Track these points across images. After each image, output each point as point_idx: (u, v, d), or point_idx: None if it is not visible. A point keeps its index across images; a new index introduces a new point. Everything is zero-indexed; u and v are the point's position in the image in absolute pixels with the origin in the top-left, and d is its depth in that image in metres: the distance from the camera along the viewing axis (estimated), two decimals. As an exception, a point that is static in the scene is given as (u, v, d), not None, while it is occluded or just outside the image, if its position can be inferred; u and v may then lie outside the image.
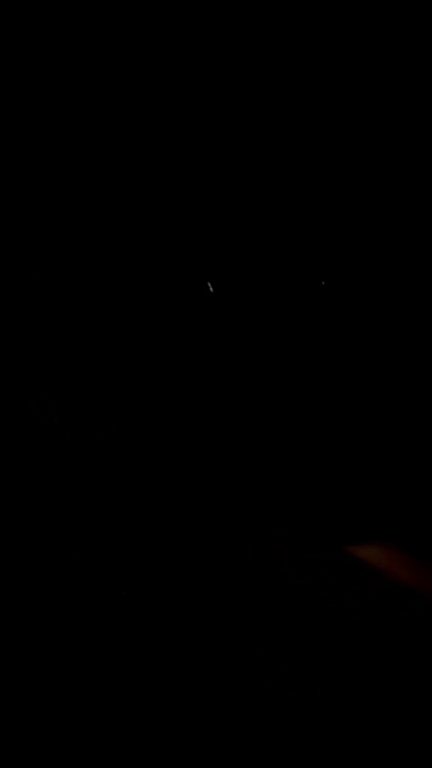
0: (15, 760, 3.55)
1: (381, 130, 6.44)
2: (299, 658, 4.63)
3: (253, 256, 8.05)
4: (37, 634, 5.06)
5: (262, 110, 6.69)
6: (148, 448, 10.09)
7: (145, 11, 6.38)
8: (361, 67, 6.32)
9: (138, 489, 9.38)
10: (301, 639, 4.84)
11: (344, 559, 6.55)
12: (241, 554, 6.59)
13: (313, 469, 8.97)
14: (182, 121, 7.41)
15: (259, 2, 6.49)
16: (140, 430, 10.54)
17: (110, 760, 3.58)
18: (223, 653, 4.77)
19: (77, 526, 7.81)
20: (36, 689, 4.34)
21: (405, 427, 8.22)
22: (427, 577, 6.02)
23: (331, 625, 5.04)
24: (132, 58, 6.55)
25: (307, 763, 3.54)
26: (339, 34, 6.32)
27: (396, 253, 6.92)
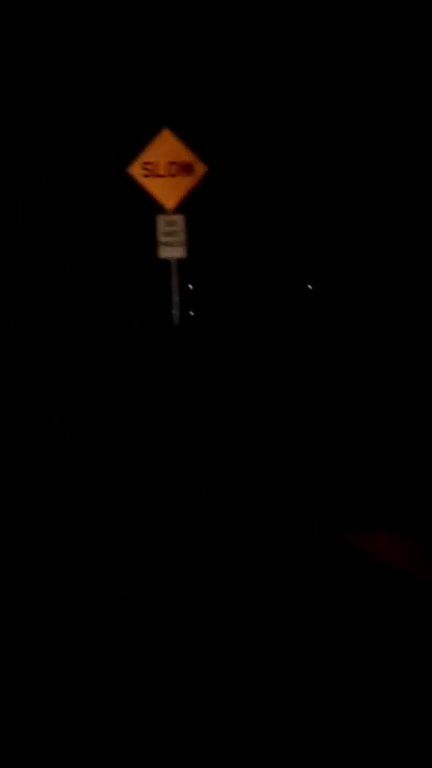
0: (16, 759, 3.54)
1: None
2: (299, 659, 4.63)
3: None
4: (38, 633, 5.06)
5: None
6: (145, 447, 10.11)
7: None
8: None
9: (137, 487, 9.38)
10: (299, 639, 4.84)
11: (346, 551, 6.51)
12: (241, 554, 6.60)
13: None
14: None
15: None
16: (138, 430, 10.56)
17: (111, 759, 3.58)
18: (223, 653, 4.78)
19: (77, 526, 7.83)
20: (37, 688, 4.34)
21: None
22: None
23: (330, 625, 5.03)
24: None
25: (307, 762, 3.55)
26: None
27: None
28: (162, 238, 16.40)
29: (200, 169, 16.54)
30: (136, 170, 16.61)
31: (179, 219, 16.46)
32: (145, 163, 16.57)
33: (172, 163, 16.49)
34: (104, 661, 4.61)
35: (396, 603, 5.30)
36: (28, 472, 9.62)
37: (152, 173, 16.50)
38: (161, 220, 16.44)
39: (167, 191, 16.50)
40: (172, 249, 16.39)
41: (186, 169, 16.49)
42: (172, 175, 16.49)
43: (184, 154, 16.53)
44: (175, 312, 16.57)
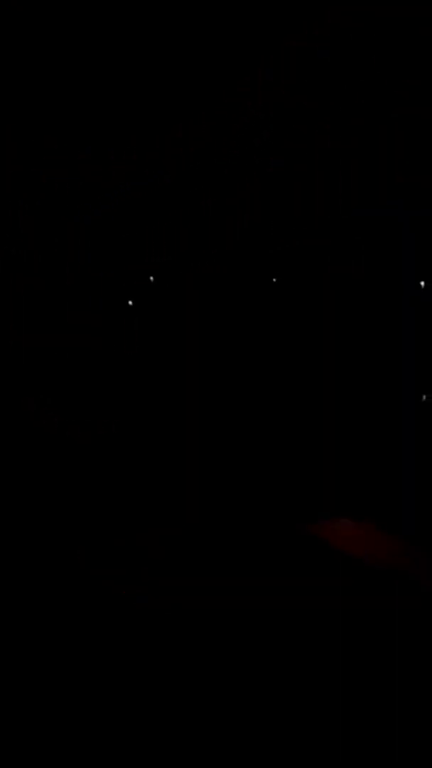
0: (16, 759, 3.55)
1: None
2: (299, 659, 4.63)
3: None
4: (38, 633, 5.06)
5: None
6: (145, 447, 10.03)
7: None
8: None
9: (137, 488, 9.36)
10: (300, 640, 4.84)
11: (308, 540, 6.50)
12: (241, 554, 6.59)
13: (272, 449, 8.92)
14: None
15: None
16: (138, 430, 10.47)
17: (111, 759, 3.58)
18: (222, 653, 4.78)
19: (77, 526, 7.81)
20: (37, 688, 4.34)
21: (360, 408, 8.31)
22: (413, 560, 5.81)
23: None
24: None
25: (307, 763, 3.55)
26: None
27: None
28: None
29: None
30: None
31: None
32: None
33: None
34: (104, 660, 4.61)
35: (355, 592, 5.31)
36: (28, 472, 9.62)
37: None
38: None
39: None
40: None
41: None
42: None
43: None
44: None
